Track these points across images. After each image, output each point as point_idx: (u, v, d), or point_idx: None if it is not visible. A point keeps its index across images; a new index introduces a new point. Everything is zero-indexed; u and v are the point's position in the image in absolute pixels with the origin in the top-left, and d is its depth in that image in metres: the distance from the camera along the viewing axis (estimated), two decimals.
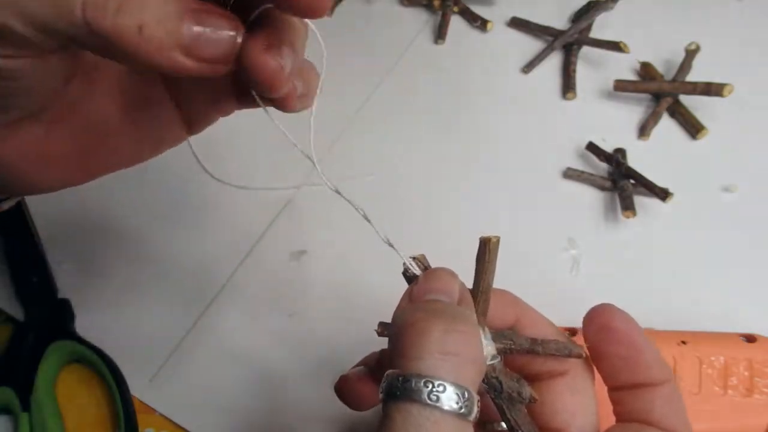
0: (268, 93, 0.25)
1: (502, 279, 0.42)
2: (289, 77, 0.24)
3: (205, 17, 0.22)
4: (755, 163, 0.46)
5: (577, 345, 0.27)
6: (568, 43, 0.51)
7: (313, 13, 0.23)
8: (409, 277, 0.27)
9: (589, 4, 0.53)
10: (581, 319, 0.40)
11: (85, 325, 0.42)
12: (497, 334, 0.27)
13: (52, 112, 0.26)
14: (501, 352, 0.26)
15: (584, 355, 0.27)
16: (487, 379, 0.26)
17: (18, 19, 0.21)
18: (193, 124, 0.31)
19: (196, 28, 0.22)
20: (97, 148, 0.28)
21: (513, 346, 0.27)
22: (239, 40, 0.23)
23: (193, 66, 0.22)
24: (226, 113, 0.31)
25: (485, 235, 0.27)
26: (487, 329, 0.26)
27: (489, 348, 0.26)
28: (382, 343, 0.41)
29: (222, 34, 0.23)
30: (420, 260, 0.27)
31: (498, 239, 0.27)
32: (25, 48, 0.22)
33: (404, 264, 0.27)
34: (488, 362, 0.26)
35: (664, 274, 0.42)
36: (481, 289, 0.27)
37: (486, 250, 0.27)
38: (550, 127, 0.48)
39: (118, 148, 0.29)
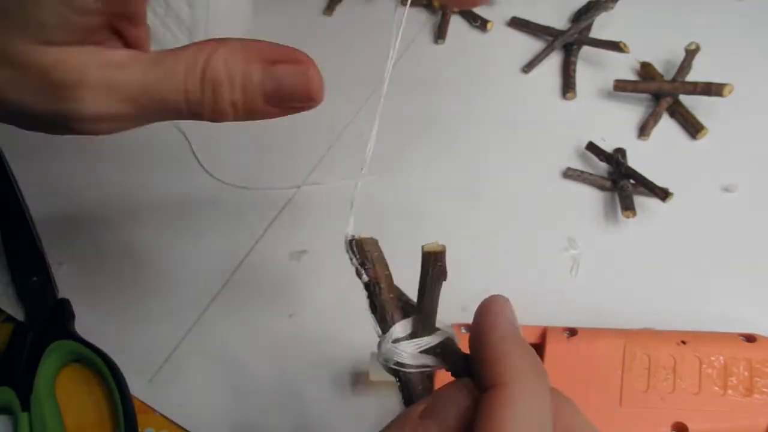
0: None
1: (502, 278, 0.42)
2: None
3: (280, 67, 0.26)
4: (755, 163, 0.46)
5: None
6: (568, 43, 0.51)
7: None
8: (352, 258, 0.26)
9: (589, 4, 0.53)
10: (581, 319, 0.40)
11: (85, 325, 0.42)
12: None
13: None
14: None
15: None
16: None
17: (131, 107, 0.25)
18: None
19: (274, 80, 0.25)
20: None
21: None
22: (312, 72, 0.26)
23: (280, 111, 0.26)
24: None
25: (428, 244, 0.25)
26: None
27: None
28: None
29: (297, 70, 0.26)
30: (363, 244, 0.26)
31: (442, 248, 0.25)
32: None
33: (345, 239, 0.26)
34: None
35: (663, 274, 0.42)
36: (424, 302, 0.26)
37: (428, 260, 0.25)
38: (550, 127, 0.48)
39: None
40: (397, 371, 0.25)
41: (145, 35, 0.27)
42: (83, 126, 0.25)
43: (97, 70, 0.24)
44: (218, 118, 0.25)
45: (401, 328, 0.26)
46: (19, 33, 0.23)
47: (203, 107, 0.25)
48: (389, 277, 0.27)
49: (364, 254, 0.26)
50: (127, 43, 0.26)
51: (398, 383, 0.26)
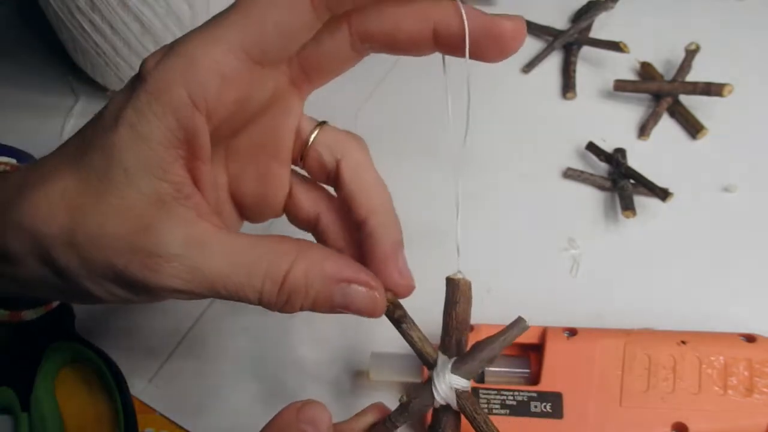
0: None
1: (502, 278, 0.42)
2: None
3: (353, 287, 0.27)
4: (755, 163, 0.46)
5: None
6: (568, 43, 0.51)
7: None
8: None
9: (589, 4, 0.53)
10: (581, 319, 0.40)
11: (85, 325, 0.42)
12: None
13: None
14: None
15: None
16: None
17: (204, 288, 0.25)
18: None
19: (345, 298, 0.27)
20: None
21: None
22: (379, 296, 0.27)
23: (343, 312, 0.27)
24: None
25: (454, 275, 0.29)
26: (449, 364, 0.28)
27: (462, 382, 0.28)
28: (381, 349, 0.41)
29: (367, 294, 0.27)
30: (456, 286, 0.29)
31: (468, 283, 0.29)
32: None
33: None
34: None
35: (663, 274, 0.42)
36: (452, 327, 0.29)
37: (452, 291, 0.29)
38: (550, 127, 0.48)
39: None
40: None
41: (208, 181, 0.28)
42: (154, 294, 0.26)
43: (180, 246, 0.25)
44: (284, 312, 0.27)
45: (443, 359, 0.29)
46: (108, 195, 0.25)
47: (274, 306, 0.27)
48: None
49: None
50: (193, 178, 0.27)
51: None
